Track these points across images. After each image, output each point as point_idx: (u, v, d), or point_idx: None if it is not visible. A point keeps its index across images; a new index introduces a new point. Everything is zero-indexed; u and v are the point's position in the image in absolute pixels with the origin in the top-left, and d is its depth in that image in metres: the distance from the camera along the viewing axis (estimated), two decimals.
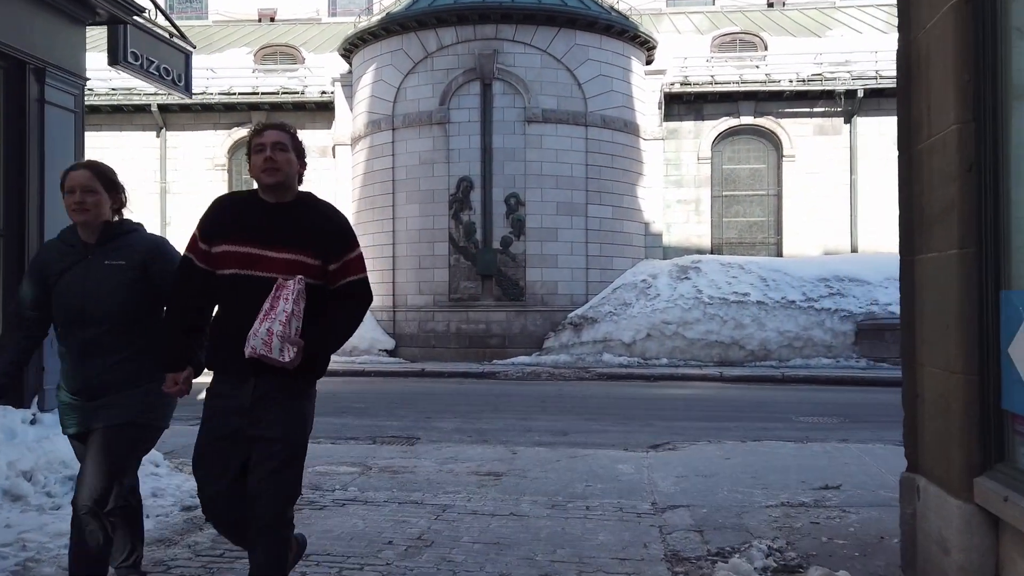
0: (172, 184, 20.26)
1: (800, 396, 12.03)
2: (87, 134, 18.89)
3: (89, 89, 19.61)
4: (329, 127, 19.97)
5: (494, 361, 16.71)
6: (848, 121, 19.05)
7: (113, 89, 19.97)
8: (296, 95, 19.59)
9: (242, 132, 20.21)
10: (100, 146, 20.03)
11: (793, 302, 16.26)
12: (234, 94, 19.69)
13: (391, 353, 17.73)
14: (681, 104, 19.34)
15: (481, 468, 6.14)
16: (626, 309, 16.76)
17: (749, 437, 8.01)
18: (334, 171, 19.94)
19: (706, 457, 6.43)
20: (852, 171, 18.99)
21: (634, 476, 5.79)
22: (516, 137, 17.24)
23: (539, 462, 6.36)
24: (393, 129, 17.98)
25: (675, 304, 16.56)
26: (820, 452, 6.54)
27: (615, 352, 16.30)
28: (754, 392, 12.77)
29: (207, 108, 20.04)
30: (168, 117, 20.16)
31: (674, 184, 19.37)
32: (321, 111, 20.03)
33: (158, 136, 20.23)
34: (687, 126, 19.42)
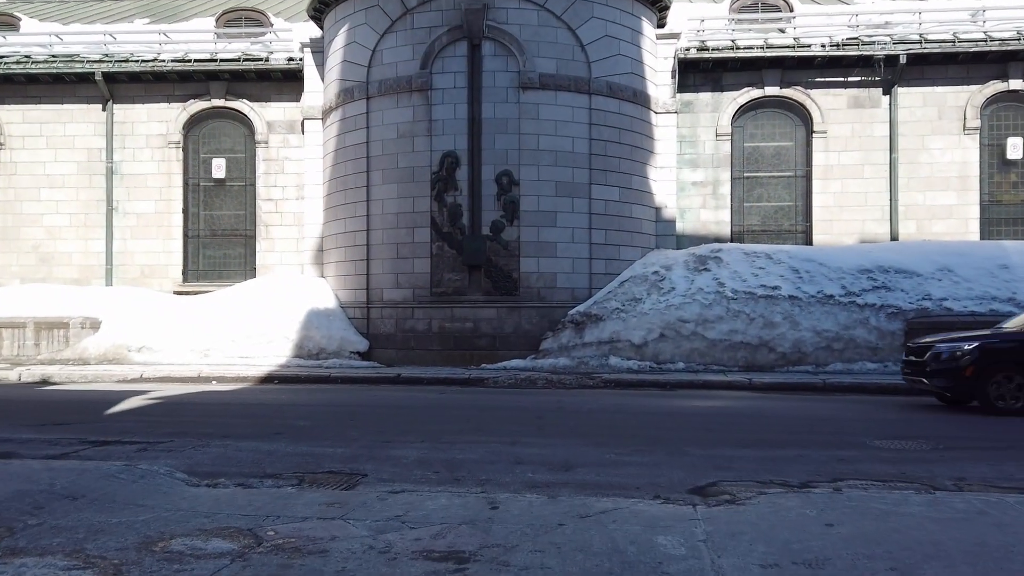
0: (120, 164, 17.90)
1: (857, 411, 9.71)
2: (23, 107, 16.54)
3: (26, 56, 17.33)
4: (298, 99, 17.63)
5: (483, 366, 14.37)
6: (888, 92, 16.75)
7: (53, 56, 17.62)
8: (260, 62, 17.27)
9: (200, 105, 17.91)
10: (38, 120, 17.75)
11: (831, 297, 13.94)
12: (190, 61, 17.34)
13: (364, 356, 15.38)
14: (697, 73, 17.03)
15: (437, 543, 3.80)
16: (636, 305, 14.42)
17: (826, 474, 5.70)
18: (303, 149, 17.60)
19: (794, 522, 4.09)
20: (892, 149, 16.69)
21: (690, 564, 3.45)
22: (509, 106, 14.90)
23: (531, 528, 4.02)
24: (368, 98, 15.64)
25: (693, 299, 14.23)
26: (971, 512, 4.20)
27: (623, 355, 13.96)
28: (796, 404, 10.43)
29: (159, 78, 17.68)
30: (115, 88, 17.81)
31: (689, 164, 17.05)
32: (289, 81, 17.69)
33: (104, 109, 17.87)
34: (704, 98, 17.11)
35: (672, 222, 16.73)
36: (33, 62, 17.50)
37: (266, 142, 17.82)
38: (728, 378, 12.71)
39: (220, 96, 17.80)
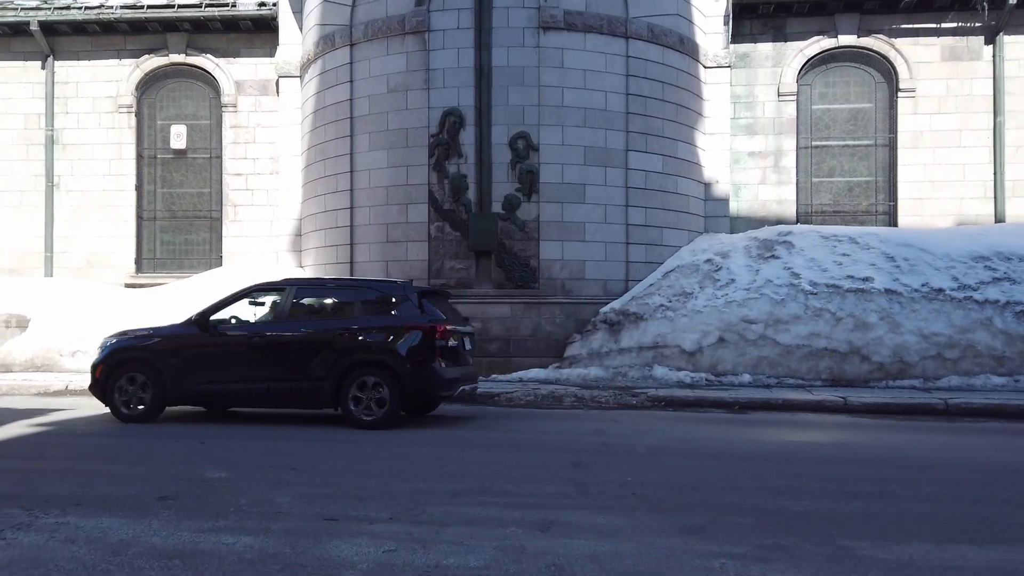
0: (63, 132, 15.03)
1: None
2: None
3: None
4: (272, 54, 14.71)
5: (493, 376, 11.41)
6: (991, 41, 13.65)
7: None
8: (226, 8, 14.33)
9: (156, 61, 15.01)
10: None
11: (940, 291, 10.87)
12: (142, 7, 14.43)
13: None
14: (755, 18, 13.98)
15: None
16: (686, 301, 11.40)
17: None
18: (279, 114, 14.67)
19: None
20: (997, 111, 13.59)
21: None
22: (526, 51, 11.92)
23: None
24: (351, 45, 12.69)
25: (760, 294, 11.19)
26: None
27: (672, 364, 10.96)
28: (943, 440, 7.38)
29: (107, 28, 14.79)
30: (56, 42, 14.94)
31: (745, 130, 14.00)
32: (261, 32, 14.77)
33: (43, 67, 15.00)
34: (763, 50, 14.06)
35: (724, 200, 13.68)
36: None
37: (234, 106, 14.91)
38: (814, 396, 9.66)
39: (179, 51, 14.89)
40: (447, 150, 12.03)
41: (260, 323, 8.53)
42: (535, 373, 11.25)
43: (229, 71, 14.89)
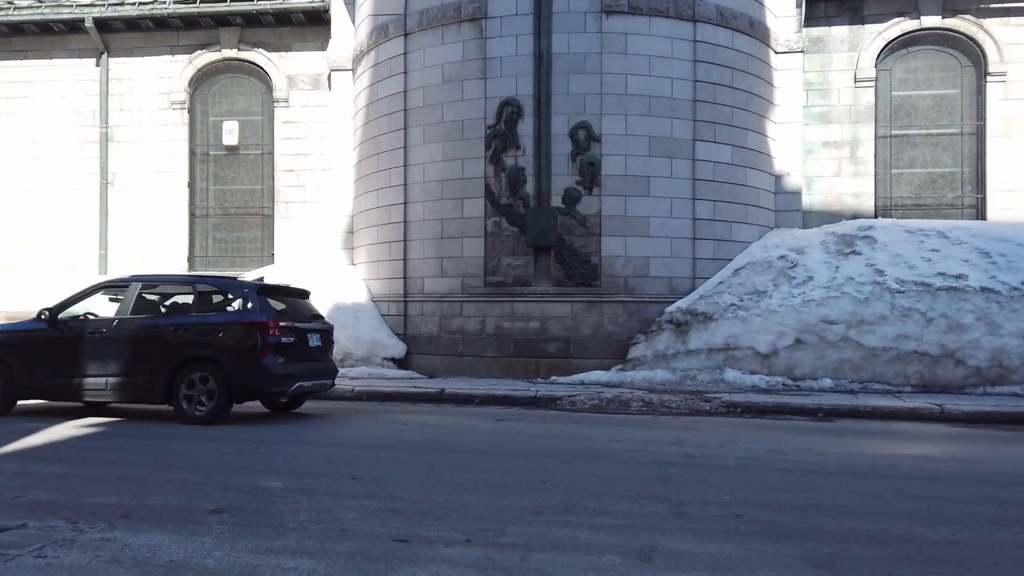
0: (116, 130, 14.98)
1: None
2: (8, 63, 13.64)
3: (8, 2, 14.53)
4: (324, 47, 14.43)
5: (553, 378, 10.88)
6: None
7: (40, 0, 14.80)
8: (278, 1, 14.08)
9: (209, 57, 14.86)
10: (25, 79, 14.97)
11: None
12: (195, 2, 14.28)
13: (400, 363, 12.05)
14: (830, 1, 13.14)
15: None
16: (759, 300, 10.69)
17: None
18: (330, 109, 14.37)
19: None
20: None
21: None
22: (588, 37, 11.36)
23: None
24: (405, 35, 12.29)
25: (841, 292, 10.42)
26: None
27: (744, 366, 10.27)
28: None
29: (161, 24, 14.69)
30: (110, 39, 14.90)
31: (819, 119, 13.18)
32: (313, 25, 14.50)
33: (98, 64, 14.98)
34: (839, 33, 13.22)
35: (796, 193, 12.89)
36: (16, 8, 14.72)
37: (286, 101, 14.67)
38: (906, 403, 8.88)
39: (232, 46, 14.71)
40: (504, 142, 11.53)
41: (103, 319, 8.49)
42: (597, 375, 10.68)
43: (281, 65, 14.66)
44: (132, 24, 14.67)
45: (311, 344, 8.51)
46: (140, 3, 14.44)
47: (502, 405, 9.52)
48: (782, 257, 11.24)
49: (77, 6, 14.53)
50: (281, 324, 8.02)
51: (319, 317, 9.06)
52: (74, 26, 14.72)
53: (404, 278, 12.25)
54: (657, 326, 10.94)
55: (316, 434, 7.46)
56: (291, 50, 14.66)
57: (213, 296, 8.46)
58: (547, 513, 4.35)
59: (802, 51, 12.96)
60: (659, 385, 10.09)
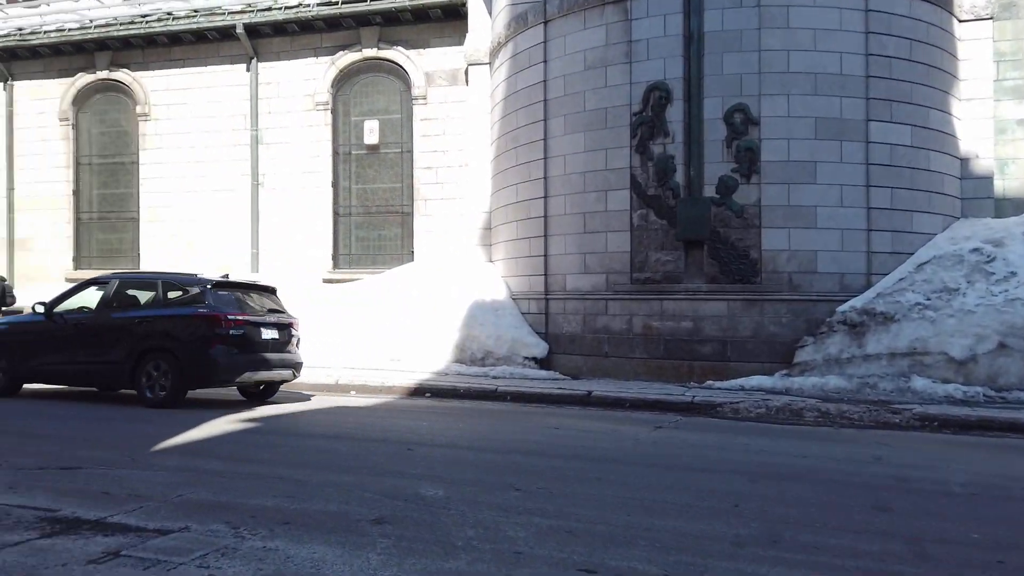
0: (266, 132, 15.49)
1: None
2: (167, 72, 14.40)
3: (167, 13, 15.30)
4: (461, 42, 14.24)
5: (708, 382, 10.06)
6: None
7: (195, 10, 15.54)
8: (417, 0, 14.02)
9: (350, 57, 15.05)
10: (182, 86, 15.73)
11: None
12: (337, 3, 14.49)
13: (541, 363, 11.60)
14: None
15: None
16: (950, 299, 9.40)
17: None
18: (467, 104, 14.17)
19: None
20: None
21: None
22: (744, 12, 10.44)
23: None
24: (545, 22, 11.83)
25: None
26: None
27: (934, 374, 9.03)
28: None
29: (305, 27, 15.04)
30: (259, 44, 15.42)
31: (1013, 94, 11.56)
32: (450, 21, 14.36)
33: (248, 69, 15.55)
34: None
35: (987, 178, 11.36)
36: (174, 18, 15.53)
37: (424, 98, 14.61)
38: None
39: (372, 45, 14.83)
40: (651, 129, 10.82)
41: (86, 312, 9.33)
42: (758, 380, 9.75)
43: (419, 62, 14.62)
44: (279, 28, 15.10)
45: (264, 337, 8.96)
46: (286, 7, 14.84)
47: (654, 410, 8.84)
48: (975, 250, 9.85)
49: (229, 14, 15.13)
50: (230, 317, 8.58)
51: (279, 312, 9.54)
52: (226, 33, 15.34)
53: (545, 275, 11.80)
54: (827, 327, 9.87)
55: (467, 436, 7.09)
56: (429, 46, 14.59)
57: (173, 291, 9.10)
58: (751, 546, 3.68)
59: (991, 18, 11.40)
60: (833, 393, 9.05)
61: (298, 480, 5.00)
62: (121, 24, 15.86)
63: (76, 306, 9.52)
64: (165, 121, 16.05)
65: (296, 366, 9.44)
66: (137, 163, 16.33)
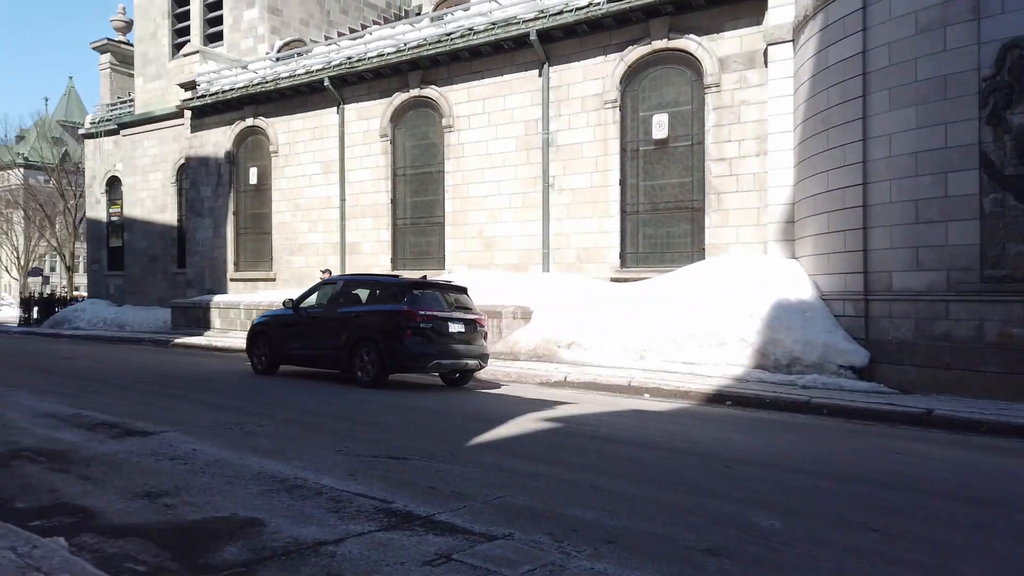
0: (556, 135, 15.81)
1: None
2: (468, 84, 15.47)
3: (468, 29, 16.33)
4: (759, 22, 13.18)
5: None
6: None
7: (492, 23, 16.38)
8: None
9: (639, 51, 14.74)
10: (481, 96, 16.70)
11: None
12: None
13: (861, 373, 10.23)
14: None
15: None
16: None
17: None
18: (765, 88, 13.07)
19: None
20: None
21: None
22: None
23: None
24: None
25: None
26: None
27: None
28: None
29: (594, 27, 15.05)
30: (551, 48, 15.76)
31: None
32: (745, 1, 13.35)
33: (540, 74, 15.98)
34: None
35: None
36: (475, 33, 16.51)
37: (717, 85, 13.78)
38: None
39: (661, 36, 14.35)
40: (1008, 96, 8.93)
41: (319, 307, 11.35)
42: None
43: (712, 48, 13.83)
44: (569, 31, 15.30)
45: (451, 330, 10.32)
46: (576, 8, 14.98)
47: (1019, 437, 7.20)
48: None
49: (523, 22, 15.69)
50: (421, 313, 10.02)
51: (467, 308, 10.86)
52: (520, 42, 15.93)
53: (864, 272, 10.37)
54: None
55: (790, 455, 6.30)
56: (722, 31, 13.73)
57: (382, 291, 10.67)
58: None
59: None
60: None
61: (614, 492, 4.71)
62: (430, 44, 17.28)
63: (315, 302, 11.56)
64: (466, 131, 17.16)
65: (482, 356, 10.76)
66: (442, 171, 17.69)
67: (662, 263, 14.56)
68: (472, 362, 10.61)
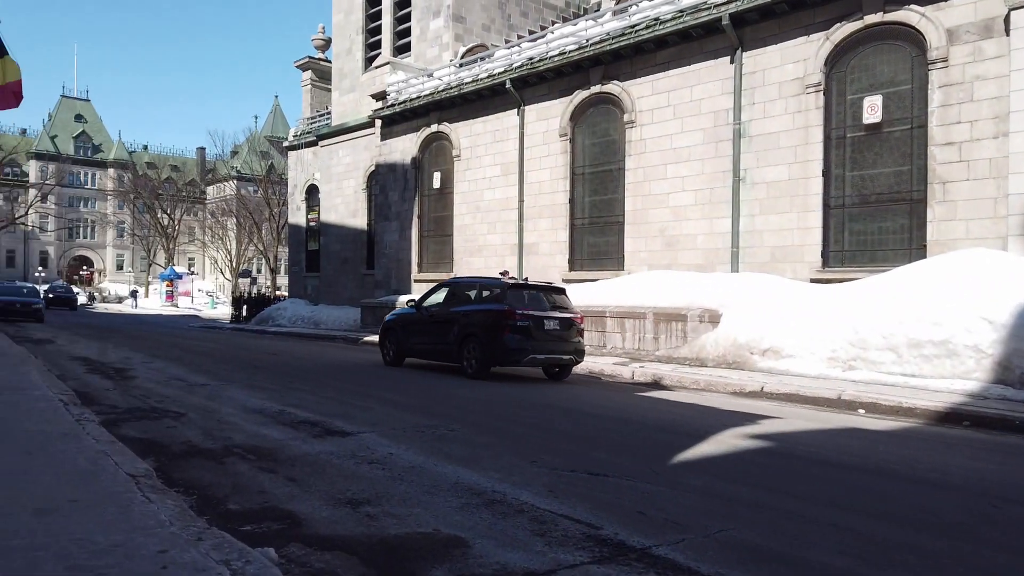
0: (748, 125, 14.69)
1: None
2: (652, 77, 14.90)
3: (654, 19, 15.66)
4: None
5: None
6: None
7: (680, 11, 15.56)
8: None
9: (848, 28, 13.34)
10: (665, 89, 16.02)
11: None
12: None
13: None
14: None
15: None
16: None
17: None
18: (1004, 60, 11.26)
19: None
20: None
21: None
22: None
23: None
24: None
25: None
26: None
27: None
28: None
29: (796, 5, 13.80)
30: (744, 32, 14.67)
31: None
32: None
33: (732, 61, 14.93)
34: None
35: None
36: (661, 23, 15.78)
37: (944, 60, 12.09)
38: None
39: (875, 9, 12.86)
40: None
41: (435, 306, 12.59)
42: None
43: (938, 19, 12.16)
44: (766, 12, 14.16)
45: (547, 327, 11.30)
46: None
47: None
48: None
49: (714, 7, 14.75)
50: (518, 312, 11.04)
51: (563, 308, 11.80)
52: (710, 28, 15.00)
53: None
54: None
55: None
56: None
57: (486, 291, 11.86)
58: None
59: None
60: None
61: (860, 533, 3.97)
62: (612, 38, 16.78)
63: (434, 302, 12.73)
64: (648, 126, 16.47)
65: (577, 352, 11.65)
66: (622, 169, 17.12)
67: (872, 262, 13.05)
68: (566, 357, 11.53)
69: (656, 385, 11.34)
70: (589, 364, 12.96)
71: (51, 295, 43.83)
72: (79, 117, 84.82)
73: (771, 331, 12.21)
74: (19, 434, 5.11)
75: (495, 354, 11.12)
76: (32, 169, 78.93)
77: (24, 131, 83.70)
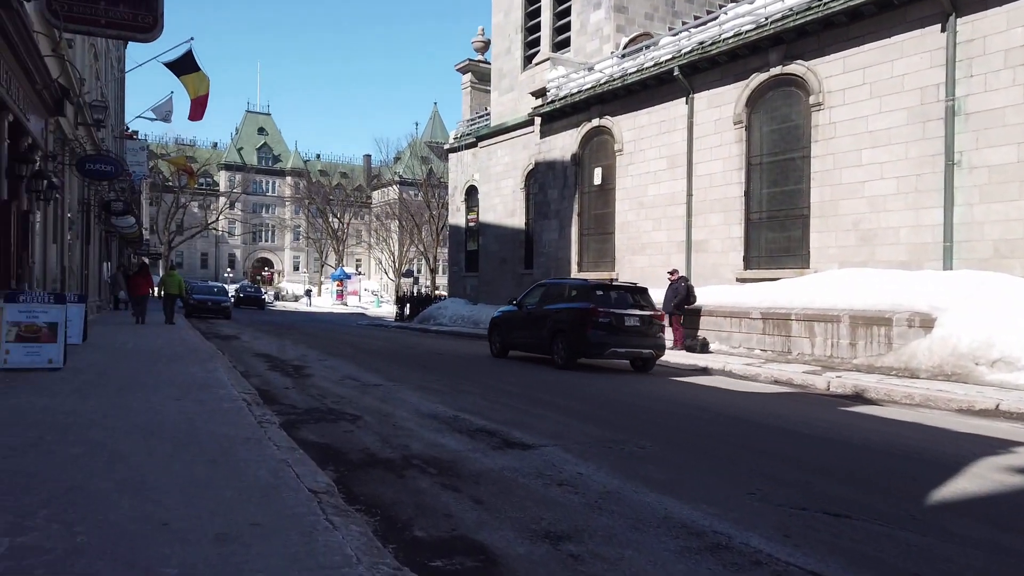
0: (965, 100, 12.72)
1: None
2: (844, 54, 13.33)
3: None
4: None
5: None
6: None
7: None
8: None
9: None
10: (860, 65, 14.38)
11: None
12: None
13: None
14: None
15: None
16: None
17: None
18: None
19: None
20: None
21: None
22: None
23: None
24: None
25: None
26: None
27: None
28: None
29: None
30: None
31: None
32: None
33: (943, 29, 13.01)
34: None
35: None
36: None
37: None
38: None
39: None
40: None
41: (533, 304, 13.96)
42: None
43: None
44: None
45: (627, 324, 12.35)
46: None
47: None
48: None
49: None
50: (599, 309, 12.23)
51: (643, 306, 12.75)
52: None
53: None
54: None
55: None
56: None
57: (573, 291, 13.07)
58: None
59: None
60: None
61: None
62: (796, 13, 15.26)
63: (532, 301, 14.06)
64: (839, 108, 14.80)
65: (656, 347, 12.65)
66: (808, 157, 15.53)
67: None
68: (646, 351, 12.61)
69: (859, 398, 9.96)
70: (775, 372, 11.71)
71: (241, 295, 47.31)
72: (261, 130, 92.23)
73: (1003, 338, 10.41)
74: (204, 438, 4.97)
75: (580, 347, 12.30)
76: (222, 179, 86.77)
77: (215, 144, 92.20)
